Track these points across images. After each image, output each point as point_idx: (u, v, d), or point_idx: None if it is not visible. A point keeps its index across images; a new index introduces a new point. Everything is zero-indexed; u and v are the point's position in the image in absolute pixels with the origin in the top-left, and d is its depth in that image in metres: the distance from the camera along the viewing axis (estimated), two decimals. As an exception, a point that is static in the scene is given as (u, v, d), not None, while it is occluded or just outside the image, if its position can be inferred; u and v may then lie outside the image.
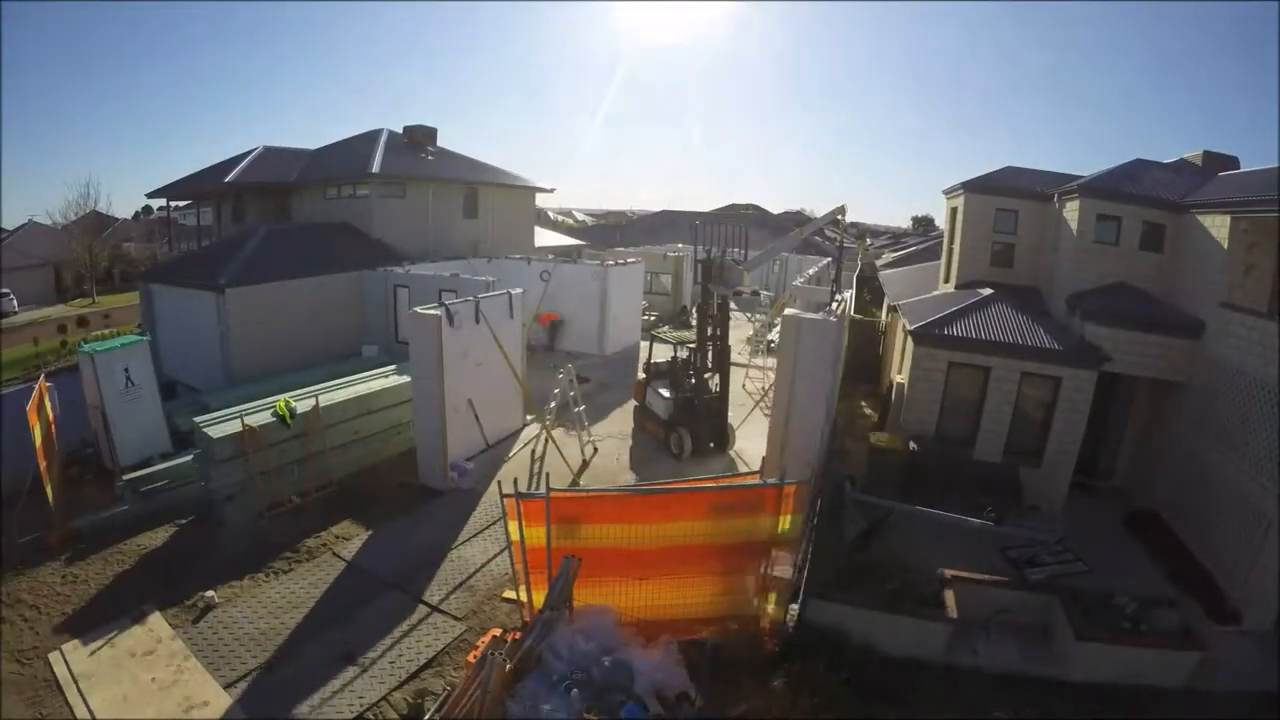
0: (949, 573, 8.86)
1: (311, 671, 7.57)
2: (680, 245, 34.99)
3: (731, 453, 13.81)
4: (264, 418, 11.23)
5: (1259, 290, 10.79)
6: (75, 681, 7.32)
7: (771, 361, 20.47)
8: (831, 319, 8.73)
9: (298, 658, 7.79)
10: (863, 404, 18.34)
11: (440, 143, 28.07)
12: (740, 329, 27.56)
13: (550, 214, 61.17)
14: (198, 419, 11.08)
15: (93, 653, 7.78)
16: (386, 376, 13.80)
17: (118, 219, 49.08)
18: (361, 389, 12.98)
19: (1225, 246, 10.98)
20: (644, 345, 16.26)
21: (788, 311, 9.44)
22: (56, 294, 38.81)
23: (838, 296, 10.33)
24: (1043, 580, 9.03)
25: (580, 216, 77.06)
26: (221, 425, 10.90)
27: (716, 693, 7.41)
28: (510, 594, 8.66)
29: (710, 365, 13.34)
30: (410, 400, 12.30)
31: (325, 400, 12.05)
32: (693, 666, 7.13)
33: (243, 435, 10.71)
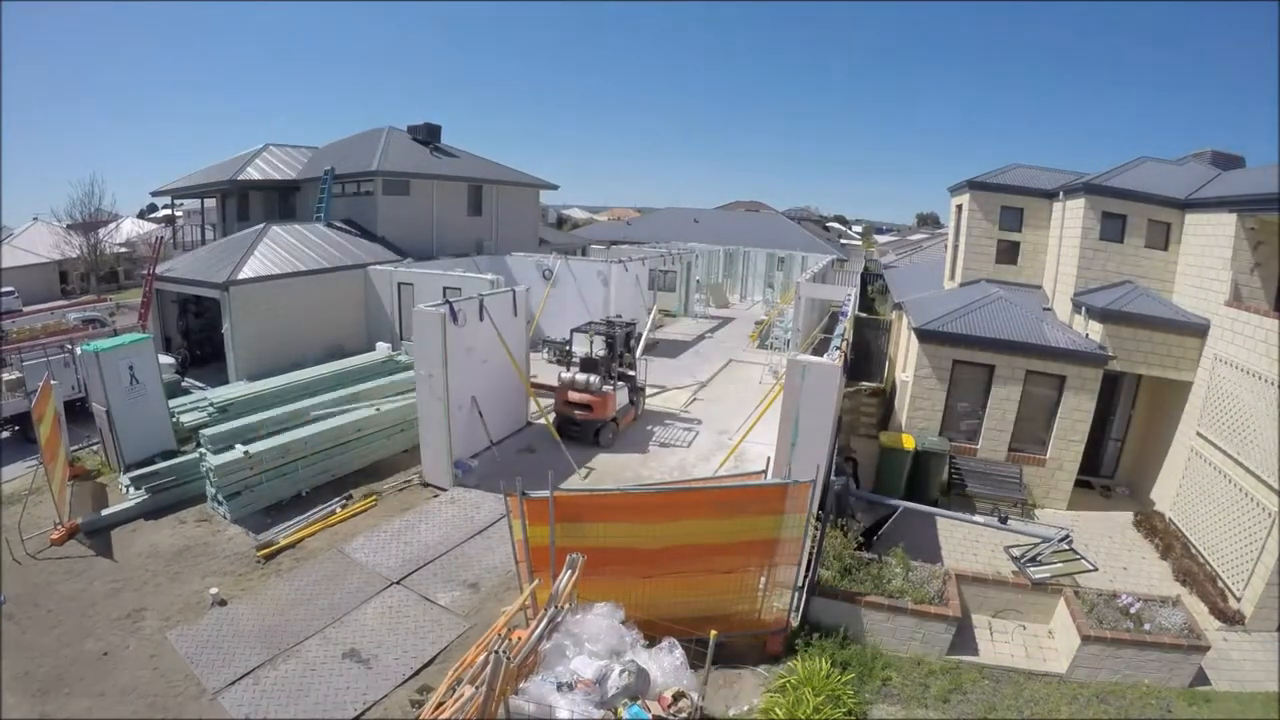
0: (953, 571, 8.86)
1: (314, 668, 7.59)
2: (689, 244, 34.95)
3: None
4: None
5: (1264, 288, 10.76)
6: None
7: (774, 359, 20.49)
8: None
9: (301, 655, 7.81)
10: (866, 401, 18.31)
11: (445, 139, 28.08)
12: (742, 325, 27.66)
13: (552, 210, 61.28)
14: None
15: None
16: (387, 379, 13.81)
17: (122, 217, 49.10)
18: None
19: (1230, 245, 10.94)
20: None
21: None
22: (61, 293, 38.90)
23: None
24: (1046, 579, 9.01)
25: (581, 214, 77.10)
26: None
27: (718, 692, 7.44)
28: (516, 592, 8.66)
29: None
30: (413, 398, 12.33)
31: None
32: (695, 665, 7.14)
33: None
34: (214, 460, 10.72)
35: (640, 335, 17.96)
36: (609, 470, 12.95)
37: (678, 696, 6.09)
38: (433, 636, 8.23)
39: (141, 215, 59.62)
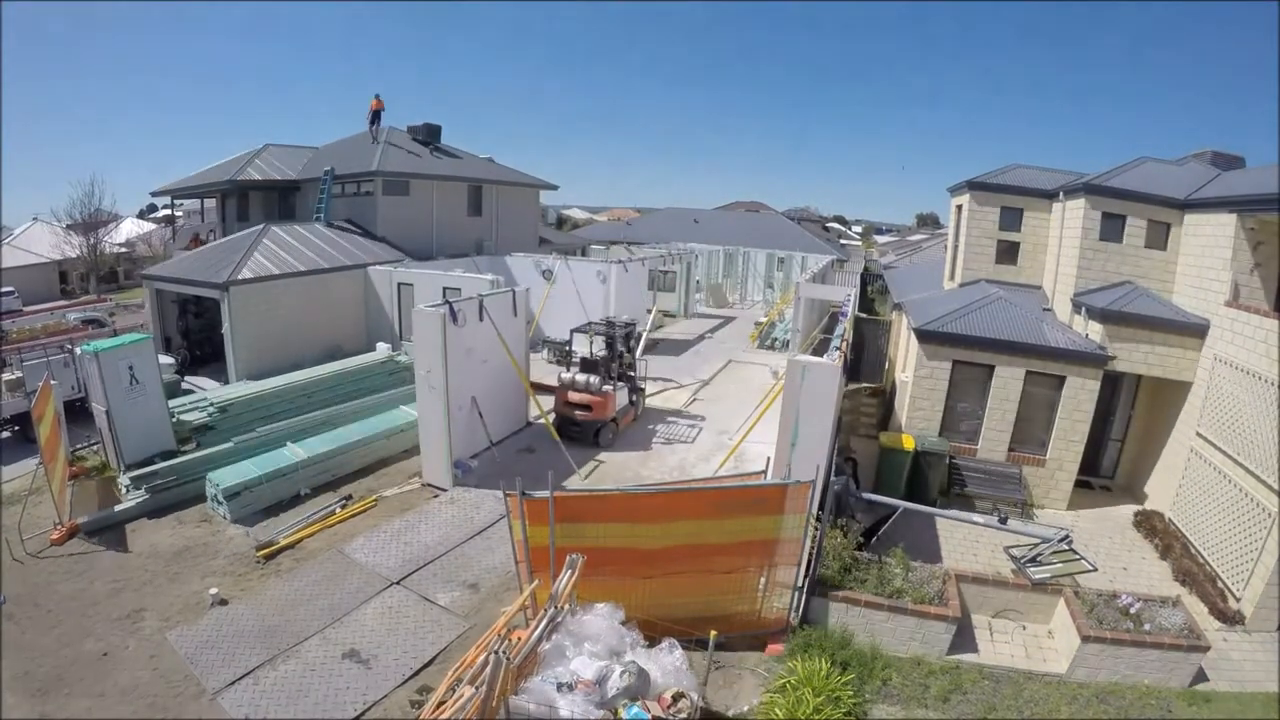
0: (953, 571, 8.86)
1: (314, 669, 7.59)
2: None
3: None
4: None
5: (1264, 288, 10.76)
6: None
7: (774, 358, 20.51)
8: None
9: (301, 655, 7.81)
10: (866, 401, 18.31)
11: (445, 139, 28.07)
12: (743, 325, 27.68)
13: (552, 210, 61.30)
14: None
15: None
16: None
17: (122, 217, 49.13)
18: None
19: (1230, 245, 10.94)
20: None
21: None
22: (61, 292, 38.90)
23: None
24: (1046, 579, 9.01)
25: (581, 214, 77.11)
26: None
27: (718, 692, 7.44)
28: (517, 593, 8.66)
29: None
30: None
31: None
32: (695, 666, 7.14)
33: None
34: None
35: (640, 335, 18.00)
36: (609, 470, 12.95)
37: (677, 697, 6.09)
38: (433, 637, 8.22)
39: (141, 215, 59.64)
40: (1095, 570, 9.56)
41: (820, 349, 12.42)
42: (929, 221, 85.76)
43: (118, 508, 10.79)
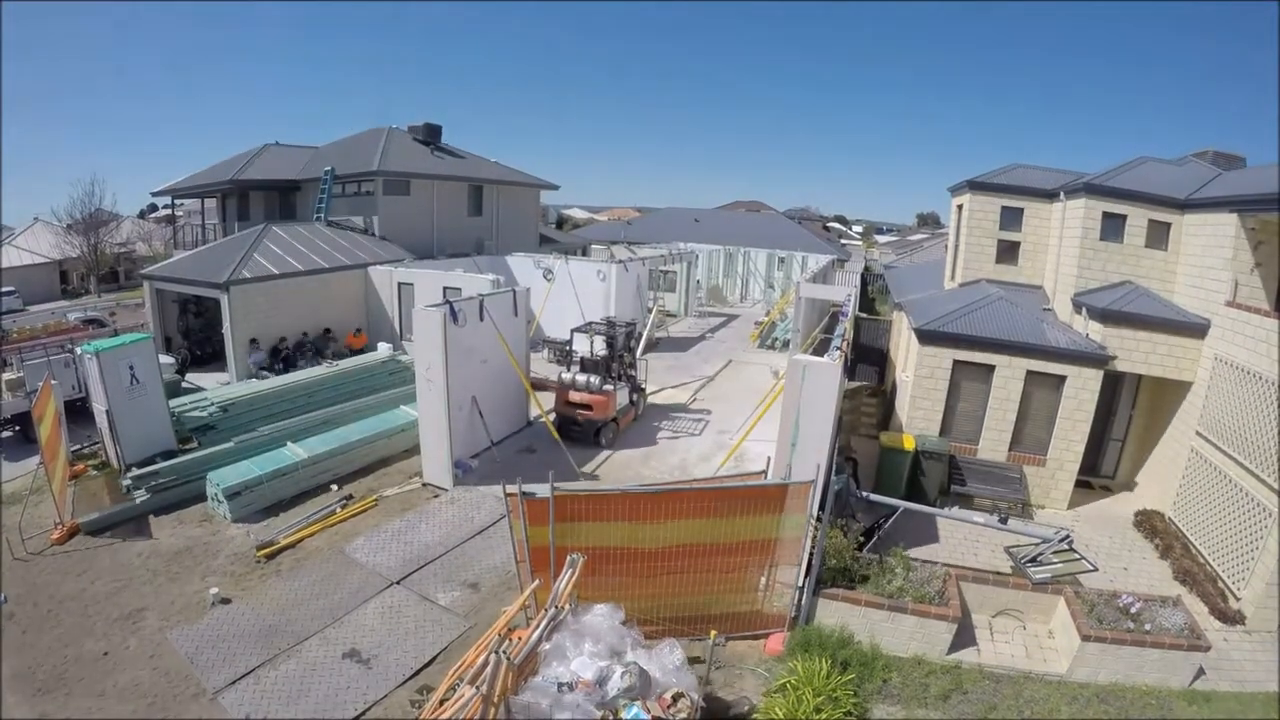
0: (953, 571, 8.86)
1: (315, 668, 7.60)
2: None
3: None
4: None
5: (1264, 288, 10.76)
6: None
7: (775, 358, 20.52)
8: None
9: (301, 655, 7.82)
10: (866, 401, 18.31)
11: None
12: (743, 325, 27.67)
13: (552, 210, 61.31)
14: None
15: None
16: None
17: (123, 217, 49.19)
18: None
19: (1231, 245, 10.93)
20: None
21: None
22: (61, 292, 38.95)
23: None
24: (1047, 579, 9.01)
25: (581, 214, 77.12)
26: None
27: (718, 692, 7.45)
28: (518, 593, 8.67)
29: None
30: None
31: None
32: (695, 665, 7.14)
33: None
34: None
35: (640, 335, 18.01)
36: (609, 470, 12.95)
37: (677, 697, 6.09)
38: (433, 636, 8.23)
39: (142, 215, 59.71)
40: (1095, 570, 9.56)
41: (820, 349, 12.40)
42: (929, 221, 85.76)
43: (118, 507, 10.79)
